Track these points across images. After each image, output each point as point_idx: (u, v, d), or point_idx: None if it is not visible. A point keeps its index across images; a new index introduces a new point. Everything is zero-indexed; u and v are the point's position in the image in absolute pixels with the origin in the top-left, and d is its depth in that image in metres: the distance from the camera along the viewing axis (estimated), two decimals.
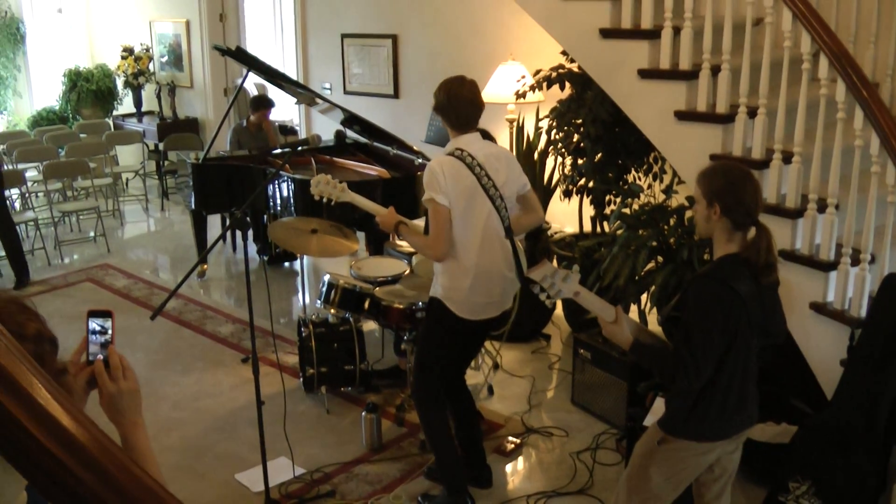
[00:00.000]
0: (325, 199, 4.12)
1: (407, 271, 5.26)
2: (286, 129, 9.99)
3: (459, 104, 3.89)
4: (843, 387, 3.75)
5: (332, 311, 5.16)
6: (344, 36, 8.91)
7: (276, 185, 6.67)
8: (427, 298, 4.15)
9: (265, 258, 7.93)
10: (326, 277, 5.20)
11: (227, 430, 5.03)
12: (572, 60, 5.67)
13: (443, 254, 3.85)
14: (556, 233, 6.64)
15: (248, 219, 7.82)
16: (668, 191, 5.23)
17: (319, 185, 4.10)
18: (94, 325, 1.65)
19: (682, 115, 4.46)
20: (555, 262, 6.17)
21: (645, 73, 4.55)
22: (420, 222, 4.68)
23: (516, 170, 4.07)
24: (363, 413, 4.77)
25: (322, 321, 5.35)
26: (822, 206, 4.03)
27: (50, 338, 1.62)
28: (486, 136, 5.08)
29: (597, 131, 5.58)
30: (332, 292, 5.12)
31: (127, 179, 11.12)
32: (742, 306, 2.90)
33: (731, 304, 2.88)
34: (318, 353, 5.17)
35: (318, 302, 5.21)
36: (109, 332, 1.65)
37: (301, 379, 5.39)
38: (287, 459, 4.54)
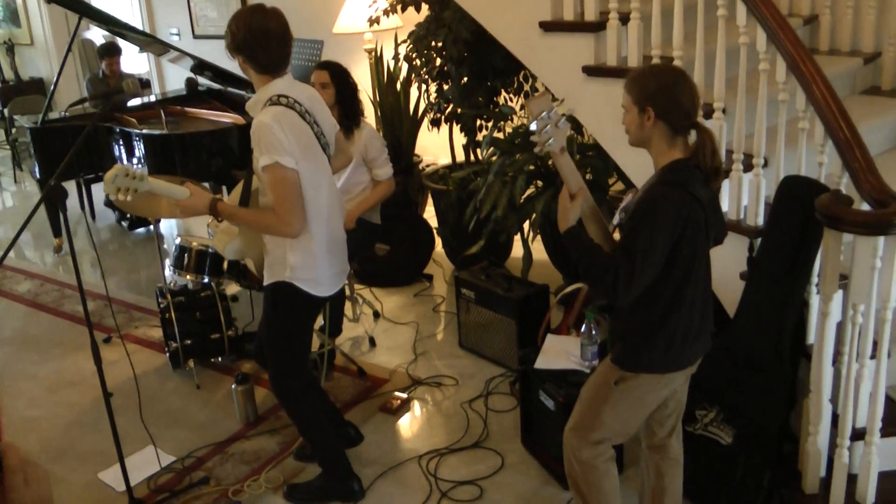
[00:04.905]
0: (123, 196, 3.14)
1: None
2: (144, 83, 9.33)
3: (269, 41, 3.15)
4: (745, 302, 3.49)
5: (189, 276, 4.67)
6: None
7: (123, 144, 6.10)
8: None
9: (125, 224, 7.36)
10: (177, 241, 4.70)
11: (89, 424, 4.51)
12: None
13: (300, 228, 3.17)
14: (428, 165, 6.30)
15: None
16: None
17: (117, 179, 3.07)
18: None
19: (547, 26, 4.08)
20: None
21: None
22: (234, 193, 3.61)
23: (328, 110, 3.47)
24: (233, 386, 4.32)
25: (181, 289, 4.84)
26: (708, 112, 3.71)
27: None
28: (343, 74, 4.58)
29: (459, 52, 5.17)
30: (186, 256, 4.63)
31: None
32: (702, 213, 2.62)
33: (688, 210, 2.58)
34: (180, 324, 4.67)
35: (171, 268, 4.72)
36: None
37: (167, 354, 4.89)
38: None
